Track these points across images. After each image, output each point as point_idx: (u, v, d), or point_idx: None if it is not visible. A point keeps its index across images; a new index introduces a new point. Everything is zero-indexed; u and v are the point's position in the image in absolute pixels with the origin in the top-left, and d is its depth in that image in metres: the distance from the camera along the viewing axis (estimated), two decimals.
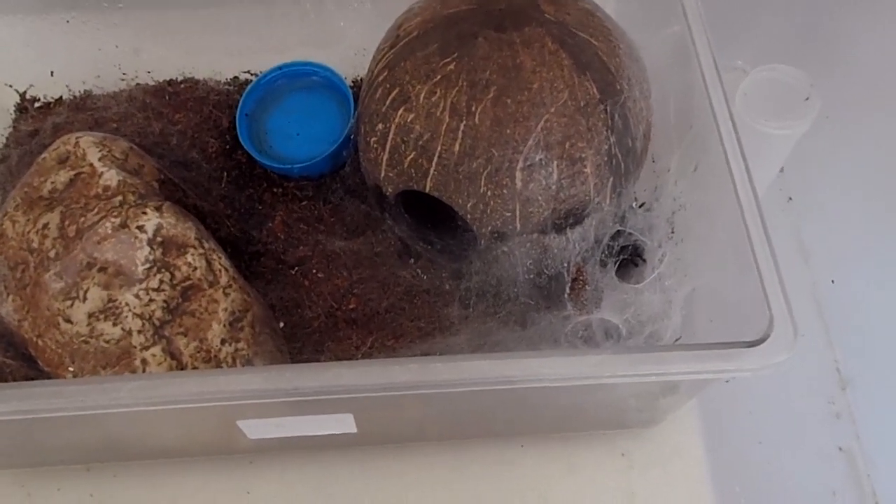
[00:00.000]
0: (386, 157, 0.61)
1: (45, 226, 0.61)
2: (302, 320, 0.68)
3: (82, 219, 0.60)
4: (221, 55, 0.81)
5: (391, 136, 0.60)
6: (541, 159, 0.56)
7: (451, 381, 0.47)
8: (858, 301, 0.79)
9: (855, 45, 0.80)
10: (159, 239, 0.60)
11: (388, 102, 0.60)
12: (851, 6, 0.80)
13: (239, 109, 0.77)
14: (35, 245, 0.60)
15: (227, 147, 0.77)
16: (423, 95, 0.58)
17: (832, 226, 0.83)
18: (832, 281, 0.80)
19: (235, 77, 0.83)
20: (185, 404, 0.47)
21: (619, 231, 0.64)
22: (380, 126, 0.61)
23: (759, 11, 0.84)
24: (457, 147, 0.57)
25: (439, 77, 0.58)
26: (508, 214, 0.58)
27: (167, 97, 0.80)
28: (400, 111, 0.59)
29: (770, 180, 0.81)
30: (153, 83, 0.82)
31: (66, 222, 0.60)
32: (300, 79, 0.80)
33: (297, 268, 0.71)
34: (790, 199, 0.85)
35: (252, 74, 0.82)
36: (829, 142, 0.77)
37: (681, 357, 0.48)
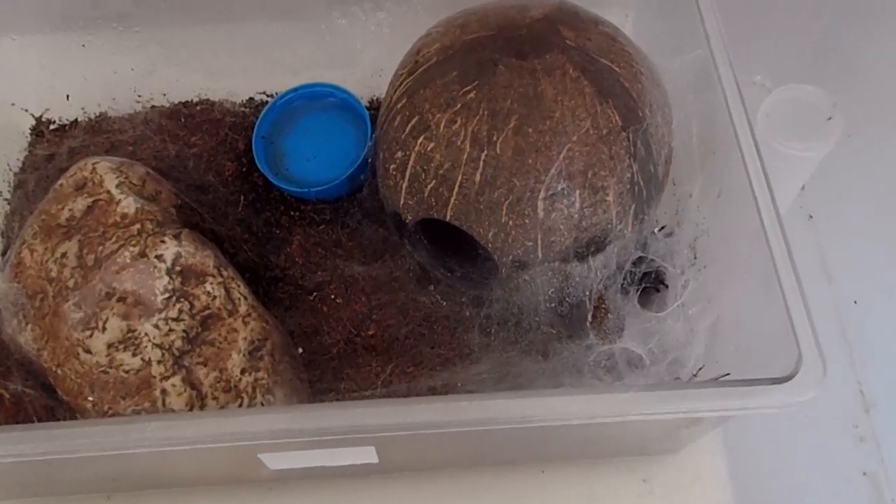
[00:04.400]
0: (405, 184, 0.60)
1: (64, 255, 0.60)
2: (321, 347, 0.68)
3: (100, 248, 0.60)
4: (237, 77, 0.80)
5: (411, 164, 0.59)
6: (563, 189, 0.56)
7: (477, 421, 0.46)
8: (882, 322, 0.78)
9: (876, 62, 0.79)
10: (178, 268, 0.60)
11: (407, 130, 0.60)
12: (872, 23, 0.78)
13: (255, 131, 0.77)
14: (54, 274, 0.60)
15: (244, 170, 0.76)
16: (443, 124, 0.57)
17: (855, 245, 0.82)
18: (855, 302, 0.79)
19: (251, 98, 0.82)
20: (211, 444, 0.46)
21: (640, 257, 0.63)
22: (399, 154, 0.60)
23: (779, 27, 0.83)
24: (478, 177, 0.56)
25: (459, 105, 0.57)
26: (530, 244, 0.58)
27: (183, 119, 0.80)
28: (420, 139, 0.59)
29: (791, 199, 0.80)
30: (169, 105, 0.82)
31: (85, 251, 0.60)
32: (316, 100, 0.79)
33: (315, 293, 0.70)
34: (811, 216, 0.84)
35: (268, 96, 0.82)
36: (851, 160, 0.76)
37: (707, 394, 0.48)
